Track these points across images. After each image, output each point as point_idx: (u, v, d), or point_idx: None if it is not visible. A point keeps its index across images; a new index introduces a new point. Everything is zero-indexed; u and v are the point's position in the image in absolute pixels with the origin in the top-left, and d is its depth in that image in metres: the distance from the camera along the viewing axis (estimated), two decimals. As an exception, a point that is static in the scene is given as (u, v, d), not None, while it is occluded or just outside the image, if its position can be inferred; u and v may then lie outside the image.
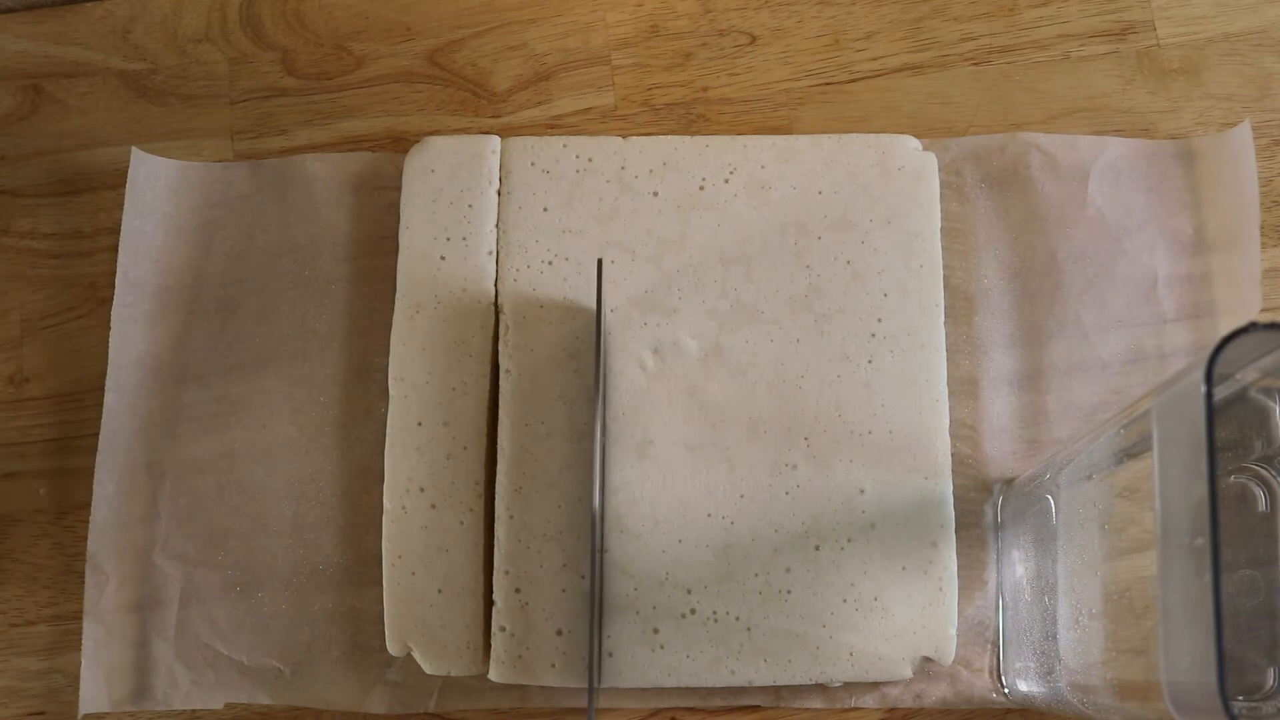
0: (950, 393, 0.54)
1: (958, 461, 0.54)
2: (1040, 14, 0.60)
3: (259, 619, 0.54)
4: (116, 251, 0.58)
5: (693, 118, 0.59)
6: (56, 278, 0.59)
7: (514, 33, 0.61)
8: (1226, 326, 0.54)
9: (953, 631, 0.51)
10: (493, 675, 0.52)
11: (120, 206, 0.58)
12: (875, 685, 0.53)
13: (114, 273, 0.57)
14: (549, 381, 0.54)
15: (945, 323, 0.55)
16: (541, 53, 0.60)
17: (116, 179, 0.59)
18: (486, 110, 0.60)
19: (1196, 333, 0.56)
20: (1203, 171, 0.57)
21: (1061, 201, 0.57)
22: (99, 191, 0.60)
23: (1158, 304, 0.56)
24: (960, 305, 0.56)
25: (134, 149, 0.58)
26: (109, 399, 0.56)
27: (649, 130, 0.59)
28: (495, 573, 0.52)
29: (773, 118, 0.59)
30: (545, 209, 0.56)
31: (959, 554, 0.53)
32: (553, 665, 0.52)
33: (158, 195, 0.58)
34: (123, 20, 0.62)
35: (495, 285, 0.56)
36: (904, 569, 0.52)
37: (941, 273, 0.55)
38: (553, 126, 0.59)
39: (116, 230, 0.58)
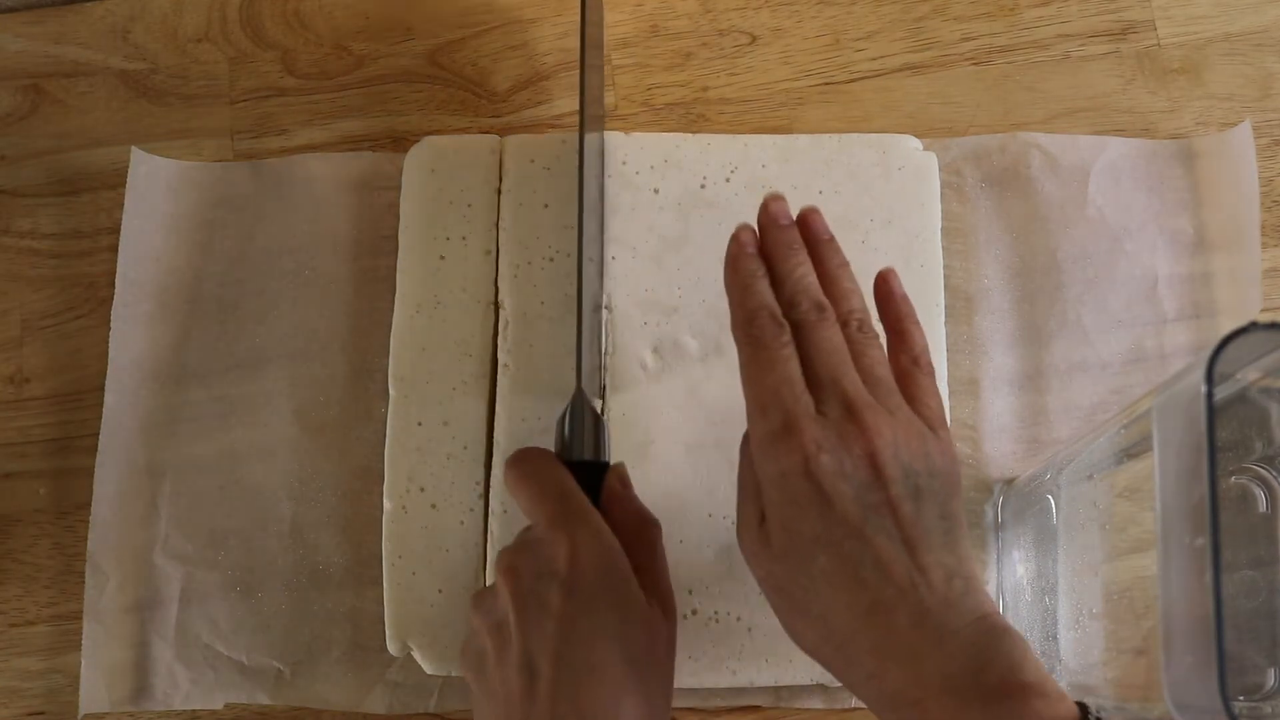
0: (950, 393, 0.54)
1: (958, 461, 0.54)
2: (1041, 14, 0.60)
3: (259, 619, 0.54)
4: (116, 251, 0.58)
5: (693, 117, 0.59)
6: (56, 278, 0.59)
7: (514, 32, 0.61)
8: (1227, 326, 0.54)
9: None
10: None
11: (120, 206, 0.58)
12: None
13: (114, 273, 0.57)
14: (548, 378, 0.54)
15: (945, 323, 0.55)
16: (541, 52, 0.60)
17: (116, 179, 0.59)
18: (487, 110, 0.60)
19: (1197, 333, 0.56)
20: (1203, 171, 0.57)
21: (1062, 201, 0.57)
22: (99, 191, 0.60)
23: (1158, 304, 0.56)
24: (960, 305, 0.56)
25: (134, 149, 0.58)
26: (109, 399, 0.56)
27: (649, 130, 0.59)
28: (489, 568, 0.52)
29: (773, 118, 0.59)
30: (546, 205, 0.56)
31: (959, 554, 0.53)
32: None
33: (158, 195, 0.58)
34: (123, 20, 0.62)
35: (496, 282, 0.55)
36: None
37: (942, 273, 0.55)
38: (553, 126, 0.59)
39: (116, 230, 0.58)
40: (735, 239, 0.46)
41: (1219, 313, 0.56)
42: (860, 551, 0.40)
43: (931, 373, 0.45)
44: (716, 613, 0.52)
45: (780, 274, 0.45)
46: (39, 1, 0.62)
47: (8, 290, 0.59)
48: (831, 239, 0.47)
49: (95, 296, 0.58)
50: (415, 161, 0.57)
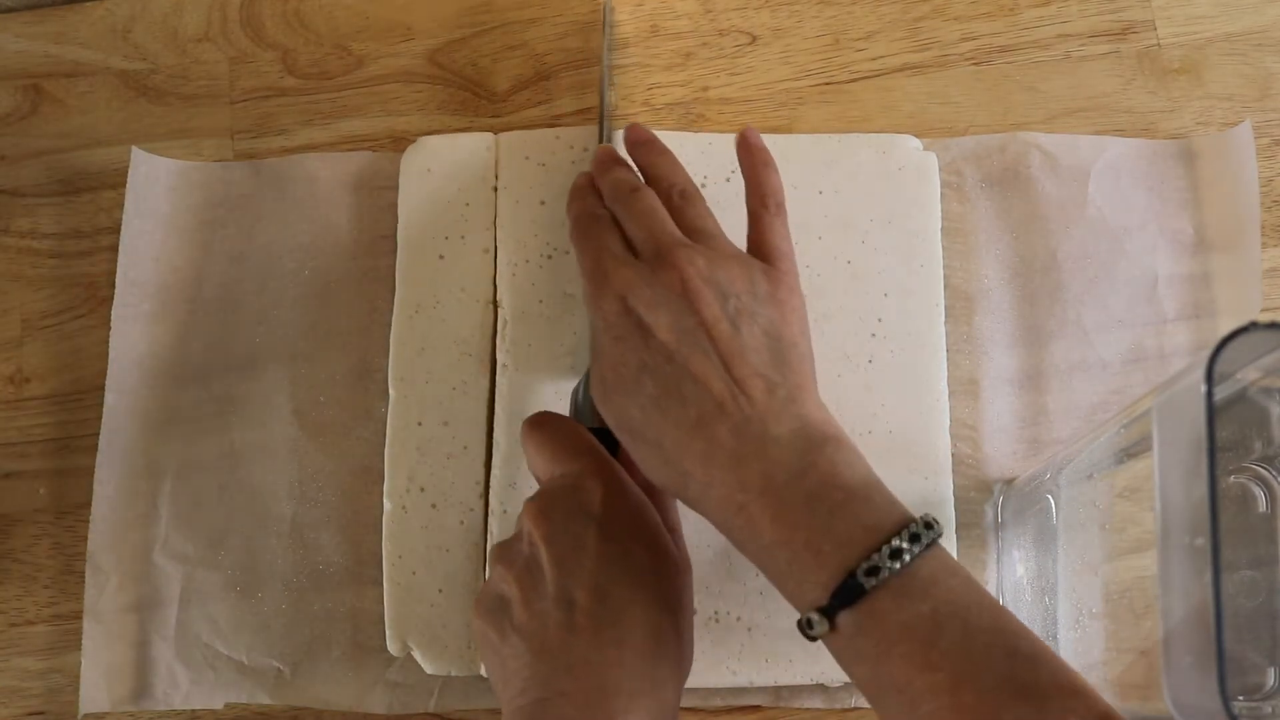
0: (950, 393, 0.54)
1: (958, 461, 0.54)
2: (1041, 14, 0.60)
3: (259, 619, 0.54)
4: (116, 251, 0.58)
5: (693, 117, 0.59)
6: (57, 277, 0.59)
7: (514, 32, 0.61)
8: (1227, 326, 0.54)
9: None
10: (484, 671, 0.52)
11: (120, 206, 0.58)
12: None
13: (114, 272, 0.57)
14: (546, 377, 0.54)
15: (945, 322, 0.55)
16: (541, 52, 0.60)
17: (117, 178, 0.59)
18: (487, 110, 0.60)
19: (1197, 333, 0.56)
20: (1203, 171, 0.57)
21: (1062, 201, 0.57)
22: (99, 191, 0.60)
23: (1158, 304, 0.56)
24: (960, 305, 0.56)
25: (134, 149, 0.58)
26: (109, 399, 0.56)
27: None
28: (487, 570, 0.52)
29: (773, 118, 0.59)
30: (543, 202, 0.56)
31: (959, 554, 0.53)
32: None
33: (158, 195, 0.58)
34: (123, 20, 0.62)
35: (494, 281, 0.55)
36: None
37: (942, 273, 0.55)
38: (553, 126, 0.59)
39: (116, 230, 0.58)
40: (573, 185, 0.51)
41: (1219, 313, 0.56)
42: (679, 371, 0.43)
43: (780, 212, 0.48)
44: (716, 612, 0.52)
45: (600, 185, 0.50)
46: (39, 1, 0.62)
47: (8, 290, 0.59)
48: (651, 140, 0.51)
49: (95, 296, 0.58)
50: (412, 162, 0.57)
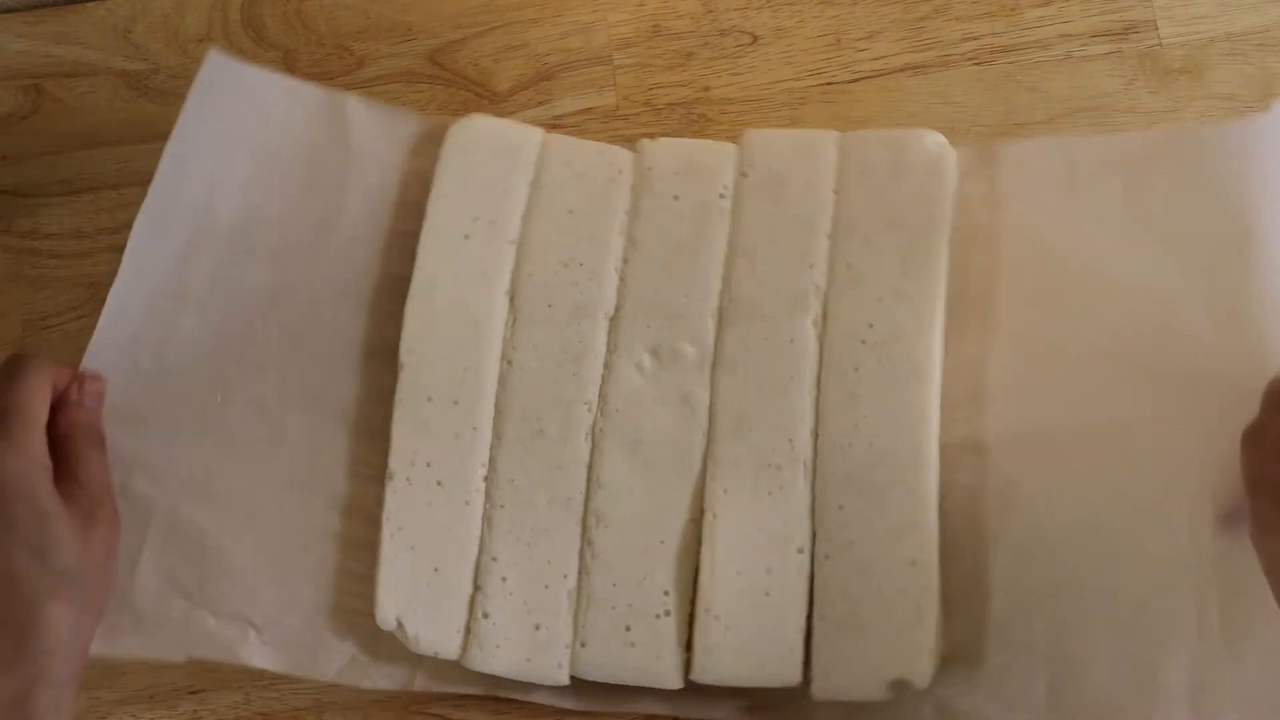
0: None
1: (952, 488, 0.52)
2: (1042, 14, 0.60)
3: (236, 574, 0.52)
4: (118, 251, 0.57)
5: (694, 118, 0.59)
6: (58, 278, 0.59)
7: (515, 32, 0.61)
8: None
9: (929, 655, 0.49)
10: (465, 661, 0.51)
11: (122, 207, 0.58)
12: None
13: (115, 273, 0.57)
14: (549, 380, 0.53)
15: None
16: (543, 53, 0.60)
17: (118, 179, 0.59)
18: (488, 110, 0.60)
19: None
20: (1205, 171, 0.57)
21: (1063, 201, 0.57)
22: (100, 191, 0.60)
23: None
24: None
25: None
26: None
27: (650, 131, 0.59)
28: (483, 558, 0.52)
29: (774, 118, 0.59)
30: (571, 211, 0.55)
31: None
32: (527, 660, 0.51)
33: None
34: (124, 20, 0.62)
35: (512, 275, 0.55)
36: (880, 587, 0.50)
37: (944, 277, 0.53)
38: (554, 126, 0.59)
39: (118, 230, 0.58)
40: None
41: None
42: None
43: None
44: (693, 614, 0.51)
45: None
46: (40, 1, 0.62)
47: (9, 290, 0.59)
48: None
49: (97, 297, 0.58)
50: (458, 136, 0.55)
